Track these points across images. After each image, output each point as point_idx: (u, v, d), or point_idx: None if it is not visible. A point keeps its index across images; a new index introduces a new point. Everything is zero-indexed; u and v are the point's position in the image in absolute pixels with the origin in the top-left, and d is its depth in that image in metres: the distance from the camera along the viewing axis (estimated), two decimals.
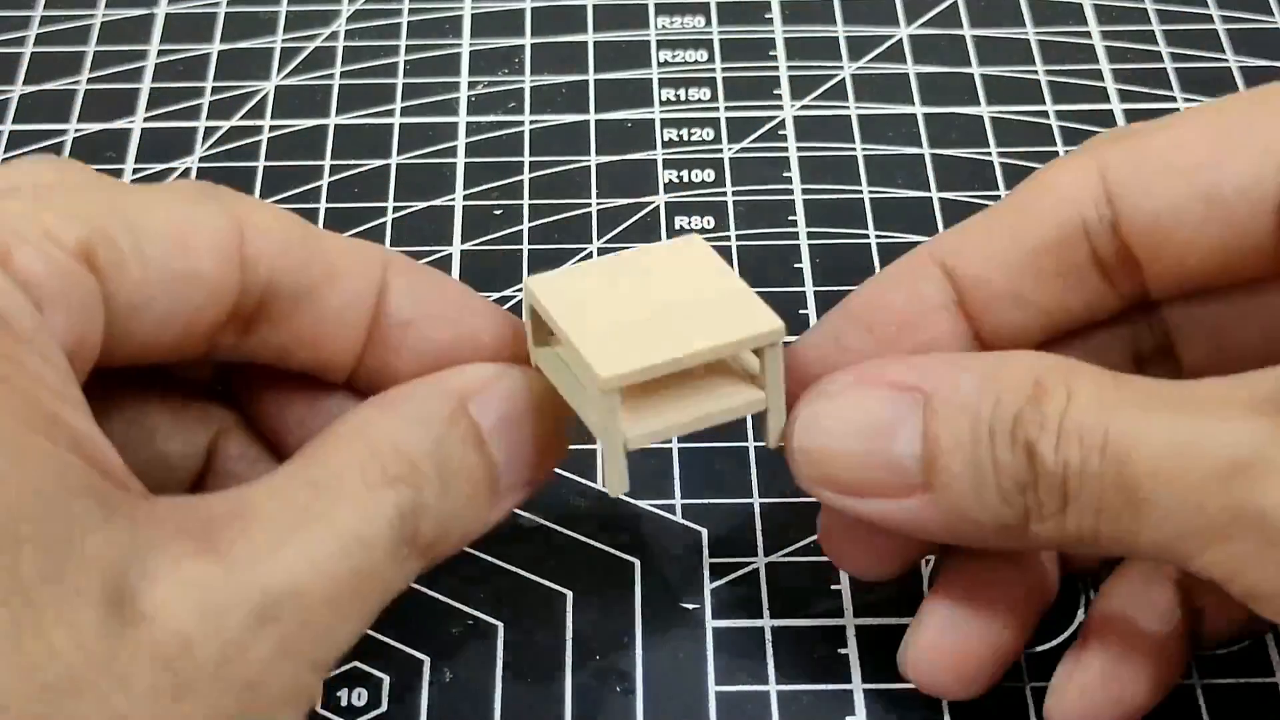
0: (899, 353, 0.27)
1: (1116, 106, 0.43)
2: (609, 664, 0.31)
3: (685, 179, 0.42)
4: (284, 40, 0.46)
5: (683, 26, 0.47)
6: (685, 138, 0.43)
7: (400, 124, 0.43)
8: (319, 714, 0.30)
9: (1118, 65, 0.45)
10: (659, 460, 0.34)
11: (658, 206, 0.41)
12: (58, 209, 0.24)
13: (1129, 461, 0.23)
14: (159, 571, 0.21)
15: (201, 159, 0.42)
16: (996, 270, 0.27)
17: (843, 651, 0.31)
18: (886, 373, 0.26)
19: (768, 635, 0.31)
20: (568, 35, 0.46)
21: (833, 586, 0.32)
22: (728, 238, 0.40)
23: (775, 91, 0.44)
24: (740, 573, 0.32)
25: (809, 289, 0.38)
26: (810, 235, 0.40)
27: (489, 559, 0.32)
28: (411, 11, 0.47)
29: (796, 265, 0.39)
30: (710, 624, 0.32)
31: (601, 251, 0.39)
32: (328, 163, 0.42)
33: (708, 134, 0.43)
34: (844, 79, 0.44)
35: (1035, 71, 0.45)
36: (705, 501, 0.34)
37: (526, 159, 0.42)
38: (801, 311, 0.38)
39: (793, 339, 0.28)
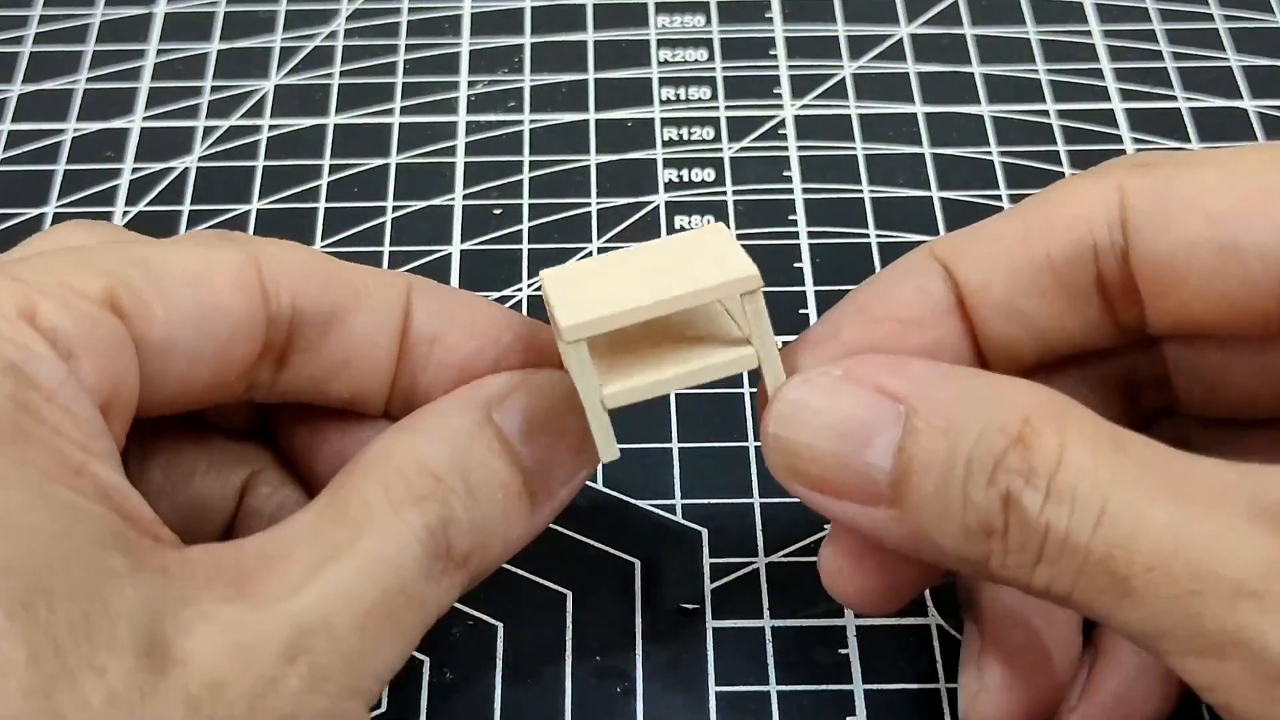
0: (899, 351, 0.27)
1: (1117, 105, 0.43)
2: (609, 664, 0.31)
3: (685, 178, 0.42)
4: (283, 39, 0.46)
5: (683, 26, 0.46)
6: (685, 137, 0.43)
7: (400, 123, 0.43)
8: None
9: (1119, 64, 0.45)
10: (659, 460, 0.34)
11: (658, 206, 0.41)
12: (79, 263, 0.25)
13: (1125, 548, 0.23)
14: (191, 620, 0.21)
15: (200, 158, 0.42)
16: (998, 278, 0.27)
17: (843, 652, 0.31)
18: (875, 374, 0.25)
19: (768, 635, 0.31)
20: (568, 34, 0.46)
21: None
22: None
23: (775, 90, 0.44)
24: (740, 573, 0.32)
25: (809, 289, 0.38)
26: (810, 235, 0.40)
27: None
28: (411, 11, 0.47)
29: (796, 265, 0.39)
30: (710, 624, 0.32)
31: (601, 251, 0.39)
32: (327, 162, 0.42)
33: (708, 133, 0.43)
34: (844, 78, 0.44)
35: (1036, 71, 0.45)
36: (705, 501, 0.34)
37: (526, 158, 0.42)
38: (801, 311, 0.38)
39: (791, 339, 0.28)
